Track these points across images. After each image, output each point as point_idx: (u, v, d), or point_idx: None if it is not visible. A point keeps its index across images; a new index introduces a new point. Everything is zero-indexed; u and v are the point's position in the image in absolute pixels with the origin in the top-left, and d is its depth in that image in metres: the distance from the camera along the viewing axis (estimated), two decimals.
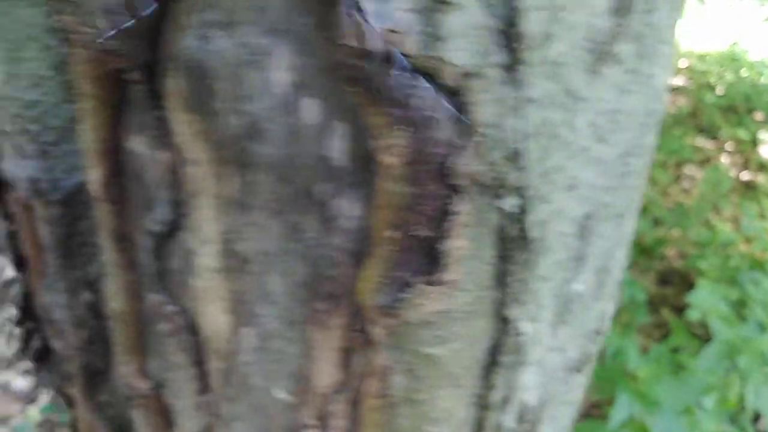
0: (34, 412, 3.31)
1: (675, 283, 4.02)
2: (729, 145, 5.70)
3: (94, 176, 0.67)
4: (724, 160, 5.44)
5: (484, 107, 0.51)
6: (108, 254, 0.73)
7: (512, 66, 0.52)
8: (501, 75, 0.52)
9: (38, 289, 0.93)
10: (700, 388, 2.18)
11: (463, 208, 0.53)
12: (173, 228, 0.63)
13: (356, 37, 0.46)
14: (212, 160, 0.57)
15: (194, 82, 0.54)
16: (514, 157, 0.55)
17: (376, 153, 0.51)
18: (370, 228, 0.56)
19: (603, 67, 0.57)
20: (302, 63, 0.50)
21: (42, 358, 1.05)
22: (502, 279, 0.60)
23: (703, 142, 5.67)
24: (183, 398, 0.74)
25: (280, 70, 0.50)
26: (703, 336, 2.91)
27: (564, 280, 0.69)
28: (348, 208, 0.55)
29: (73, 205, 0.78)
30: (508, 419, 0.73)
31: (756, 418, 2.45)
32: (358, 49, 0.46)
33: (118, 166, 0.66)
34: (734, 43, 6.88)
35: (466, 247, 0.55)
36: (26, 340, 1.02)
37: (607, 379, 2.18)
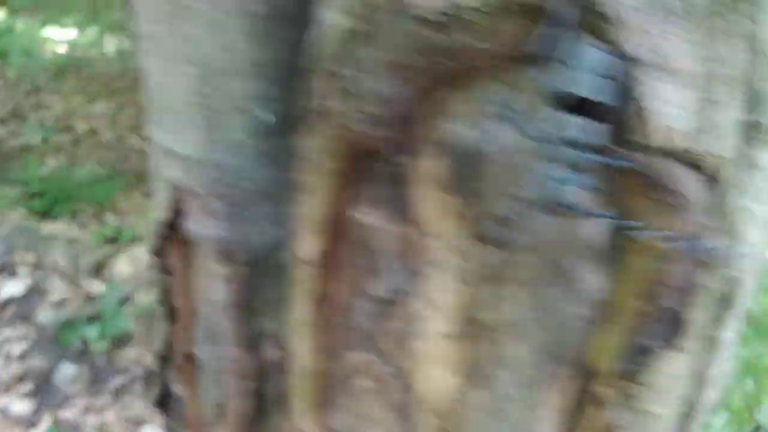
0: None
1: None
2: None
3: (310, 244, 0.70)
4: None
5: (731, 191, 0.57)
6: (302, 315, 0.76)
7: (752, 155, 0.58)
8: (745, 163, 0.58)
9: (184, 339, 0.95)
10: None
11: (708, 281, 0.59)
12: (400, 296, 0.67)
13: (649, 135, 0.52)
14: (463, 237, 0.61)
15: (460, 165, 0.58)
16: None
17: (641, 236, 0.56)
18: (612, 298, 0.61)
19: None
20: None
21: (163, 403, 1.07)
22: (711, 342, 0.66)
23: None
24: None
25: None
26: None
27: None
28: (593, 281, 0.60)
29: (258, 265, 0.81)
30: None
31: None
32: (653, 147, 0.52)
33: (334, 233, 0.70)
34: None
35: (700, 314, 0.61)
36: (150, 385, 1.03)
37: None
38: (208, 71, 0.72)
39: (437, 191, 0.60)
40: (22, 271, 4.58)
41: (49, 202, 5.07)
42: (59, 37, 6.94)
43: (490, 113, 0.56)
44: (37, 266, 4.66)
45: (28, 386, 3.70)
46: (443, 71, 0.55)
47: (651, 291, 0.59)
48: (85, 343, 4.04)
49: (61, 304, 4.32)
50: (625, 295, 0.60)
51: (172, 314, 0.92)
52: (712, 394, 0.70)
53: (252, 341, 0.85)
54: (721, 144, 0.55)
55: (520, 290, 0.61)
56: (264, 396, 0.90)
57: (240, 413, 0.90)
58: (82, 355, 4.01)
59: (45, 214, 5.05)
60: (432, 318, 0.66)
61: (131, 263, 4.63)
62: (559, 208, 0.52)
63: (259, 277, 0.82)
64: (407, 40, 0.55)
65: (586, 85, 0.49)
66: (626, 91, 0.51)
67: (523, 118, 0.55)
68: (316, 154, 0.65)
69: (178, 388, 1.06)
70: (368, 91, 0.58)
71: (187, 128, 0.75)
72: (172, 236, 0.86)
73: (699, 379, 0.69)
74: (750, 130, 0.57)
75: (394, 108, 0.58)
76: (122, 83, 6.95)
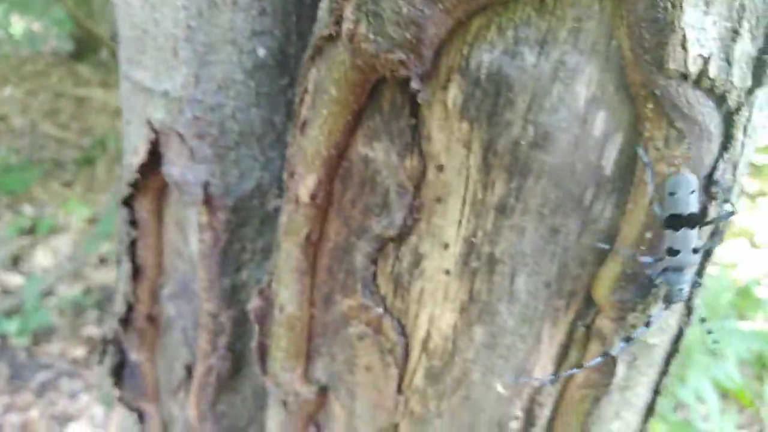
0: None
1: None
2: None
3: (306, 181, 0.68)
4: None
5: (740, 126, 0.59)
6: (289, 261, 0.73)
7: (753, 90, 0.59)
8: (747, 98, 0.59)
9: (147, 298, 0.90)
10: None
11: (712, 213, 0.60)
12: (405, 232, 0.65)
13: (679, 62, 0.52)
14: (477, 168, 0.60)
15: (489, 93, 0.57)
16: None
17: (656, 162, 0.57)
18: (618, 229, 0.61)
19: None
20: (601, 79, 0.55)
21: (118, 372, 1.01)
22: (699, 276, 0.67)
23: None
24: (361, 399, 0.76)
25: (584, 86, 0.55)
26: None
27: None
28: (606, 211, 0.61)
29: (240, 210, 0.78)
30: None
31: None
32: (679, 71, 0.52)
33: (335, 171, 0.68)
34: None
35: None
36: (104, 352, 0.98)
37: None
38: (199, 1, 0.68)
39: (452, 119, 0.59)
40: None
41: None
42: None
43: (522, 39, 0.55)
44: None
45: None
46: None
47: (653, 219, 0.60)
48: (3, 338, 3.83)
49: None
50: (633, 224, 0.60)
51: (136, 272, 0.87)
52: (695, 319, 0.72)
53: (230, 294, 0.82)
54: (738, 75, 0.56)
55: (529, 219, 0.61)
56: (238, 354, 0.87)
57: (212, 373, 0.86)
58: (1, 351, 3.79)
59: None
60: (435, 255, 0.65)
61: (52, 255, 4.43)
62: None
63: (241, 224, 0.78)
64: None
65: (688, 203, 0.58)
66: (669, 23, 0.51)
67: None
68: (327, 84, 0.63)
69: (135, 355, 1.01)
70: (404, 16, 0.56)
71: (171, 65, 0.71)
72: (144, 185, 0.81)
73: (689, 307, 0.70)
74: (758, 65, 0.58)
75: (429, 34, 0.56)
76: (33, 67, 6.61)
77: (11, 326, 3.83)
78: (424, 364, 0.70)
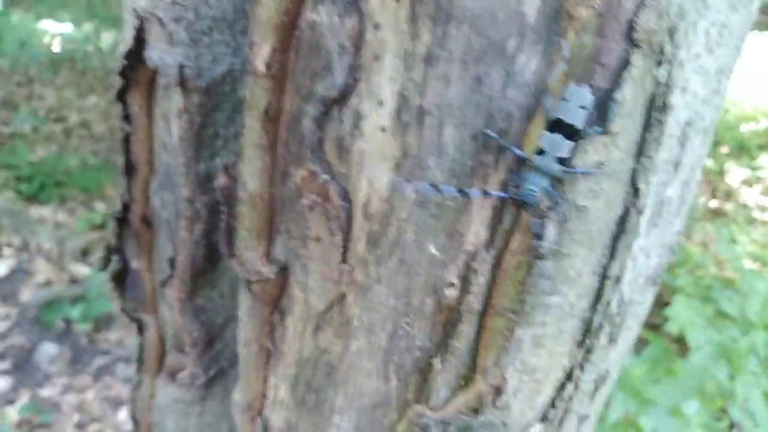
0: (12, 412, 3.20)
1: None
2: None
3: (262, 50, 0.72)
4: None
5: None
6: (251, 136, 0.78)
7: None
8: None
9: (141, 197, 0.96)
10: (691, 388, 2.28)
11: (638, 62, 0.61)
12: (346, 93, 0.69)
13: None
14: (405, 19, 0.63)
15: None
16: (673, 31, 0.63)
17: (571, 6, 0.59)
18: (544, 82, 0.63)
19: None
20: None
21: (120, 279, 1.07)
22: (641, 147, 0.68)
23: None
24: (313, 273, 0.79)
25: None
26: (677, 351, 3.04)
27: (663, 182, 0.78)
28: (531, 63, 0.63)
29: (212, 94, 0.83)
30: (615, 301, 0.80)
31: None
32: None
33: (288, 40, 0.72)
34: None
35: (630, 100, 0.63)
36: (107, 259, 1.04)
37: None
38: None
39: None
40: (6, 252, 4.58)
41: (37, 187, 5.10)
42: (55, 31, 7.04)
43: None
44: (23, 248, 4.67)
45: (7, 364, 3.69)
46: None
47: (584, 72, 0.61)
48: (68, 323, 4.04)
49: (45, 285, 4.32)
50: (558, 75, 0.62)
51: (130, 168, 0.93)
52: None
53: (205, 180, 0.87)
54: None
55: (453, 68, 0.63)
56: (215, 245, 0.91)
57: (190, 262, 0.91)
58: (64, 335, 4.00)
59: (33, 199, 5.08)
60: (373, 113, 0.68)
61: None
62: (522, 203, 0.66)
63: (214, 108, 0.83)
64: None
65: (573, 114, 0.62)
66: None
67: None
68: None
69: (135, 263, 1.07)
70: None
71: None
72: (135, 79, 0.88)
73: (634, 193, 0.71)
74: None
75: None
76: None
77: (75, 312, 4.04)
78: (365, 229, 0.73)
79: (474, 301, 0.73)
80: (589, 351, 0.82)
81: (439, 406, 0.79)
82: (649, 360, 2.37)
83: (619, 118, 0.63)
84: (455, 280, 0.72)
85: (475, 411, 0.78)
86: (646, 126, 0.67)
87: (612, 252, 0.73)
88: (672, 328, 2.87)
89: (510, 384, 0.76)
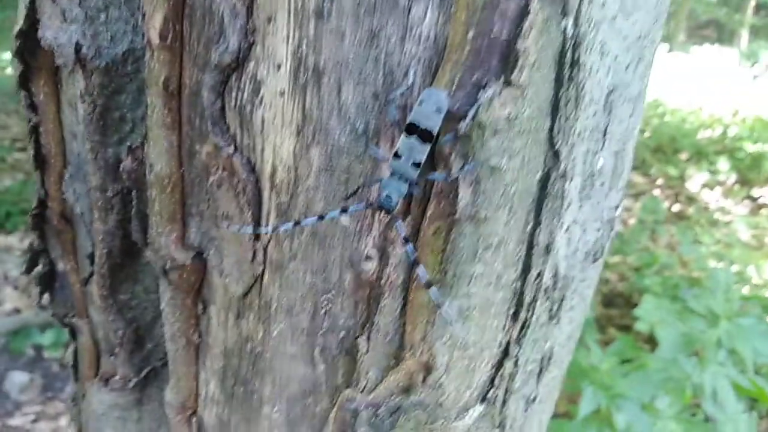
0: None
1: (619, 305, 4.20)
2: (660, 181, 6.08)
3: (154, 20, 0.69)
4: (657, 193, 5.80)
5: None
6: (154, 114, 0.74)
7: None
8: None
9: (56, 192, 0.91)
10: (661, 381, 2.27)
11: (539, 9, 0.58)
12: (242, 57, 0.65)
13: None
14: None
15: None
16: None
17: None
18: (446, 35, 0.60)
19: None
20: None
21: (47, 283, 1.02)
22: (555, 105, 0.64)
23: (636, 178, 6.02)
24: (229, 256, 0.74)
25: None
26: (648, 350, 3.03)
27: (591, 151, 0.74)
28: (426, 15, 0.59)
29: (113, 75, 0.79)
30: (547, 274, 0.77)
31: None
32: None
33: (180, 8, 0.69)
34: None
35: (535, 51, 0.60)
36: (32, 262, 1.00)
37: (573, 374, 2.25)
38: None
39: None
40: None
41: (3, 215, 5.02)
42: None
43: None
44: None
45: None
46: None
47: (482, 19, 0.58)
48: (38, 350, 3.95)
49: (13, 313, 4.23)
50: (458, 26, 0.59)
51: (41, 161, 0.89)
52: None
53: (114, 166, 0.82)
54: None
55: (346, 23, 0.60)
56: (131, 238, 0.87)
57: (107, 255, 0.86)
58: (35, 363, 3.91)
59: None
60: (271, 78, 0.64)
61: None
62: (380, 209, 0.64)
63: (117, 90, 0.79)
64: None
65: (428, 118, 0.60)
66: None
67: None
68: None
69: (61, 265, 1.02)
70: None
71: None
72: (37, 65, 0.83)
73: (553, 156, 0.67)
74: None
75: None
76: None
77: (45, 339, 3.96)
78: (274, 201, 0.69)
79: (394, 274, 0.69)
80: (525, 326, 0.79)
81: (369, 388, 0.75)
82: (617, 354, 2.35)
83: (525, 70, 0.60)
84: (373, 252, 0.68)
85: (406, 391, 0.73)
86: (558, 82, 0.64)
87: (537, 217, 0.69)
88: (642, 327, 2.87)
89: (440, 360, 0.72)
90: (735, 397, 2.31)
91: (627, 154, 0.84)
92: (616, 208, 0.90)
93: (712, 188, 5.93)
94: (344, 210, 0.63)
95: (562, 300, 0.84)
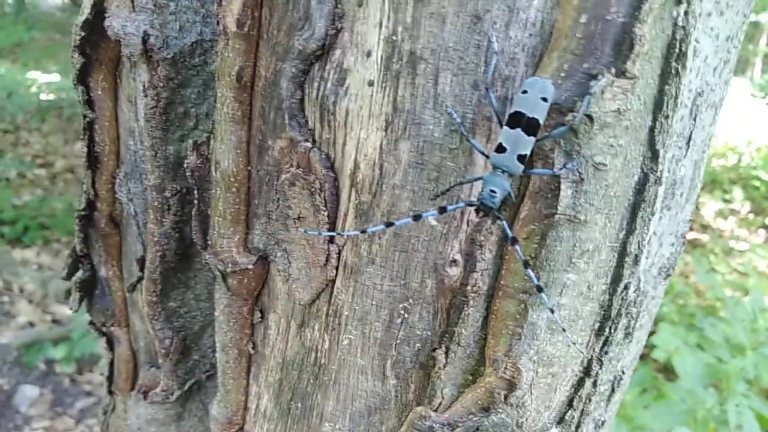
0: None
1: None
2: None
3: (232, 6, 0.65)
4: None
5: None
6: (224, 108, 0.69)
7: None
8: None
9: (107, 193, 0.87)
10: (683, 413, 2.21)
11: None
12: (328, 45, 0.61)
13: None
14: None
15: None
16: None
17: None
18: (553, 21, 0.55)
19: None
20: None
21: (87, 289, 0.98)
22: (659, 103, 0.60)
23: None
24: (297, 259, 0.70)
25: None
26: (664, 379, 2.96)
27: (675, 158, 0.69)
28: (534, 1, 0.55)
29: (180, 67, 0.75)
30: (633, 287, 0.71)
31: None
32: None
33: None
34: None
35: (649, 38, 0.55)
36: (73, 267, 0.95)
37: None
38: None
39: None
40: None
41: (21, 229, 5.01)
42: (42, 80, 7.05)
43: None
44: (5, 290, 4.55)
45: None
46: None
47: (598, 4, 0.54)
48: (50, 364, 3.91)
49: (27, 326, 4.20)
50: (568, 11, 0.54)
51: (94, 159, 0.85)
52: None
53: (174, 165, 0.78)
54: None
55: (448, 4, 0.55)
56: (188, 239, 0.82)
57: (160, 258, 0.82)
58: (46, 377, 3.86)
59: (16, 242, 4.98)
60: (359, 66, 0.60)
61: None
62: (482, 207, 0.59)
63: (182, 84, 0.75)
64: None
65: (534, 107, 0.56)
66: None
67: None
68: None
69: (103, 270, 0.97)
70: None
71: None
72: (97, 58, 0.80)
73: (652, 156, 0.63)
74: None
75: None
76: None
77: (58, 353, 3.92)
78: (354, 201, 0.64)
79: (480, 281, 0.64)
80: (606, 343, 0.73)
81: (444, 406, 0.69)
82: (638, 385, 2.29)
83: (639, 59, 0.55)
84: (458, 257, 0.63)
85: (486, 410, 0.68)
86: (664, 76, 0.59)
87: (630, 225, 0.64)
88: (659, 355, 2.82)
89: (525, 377, 0.66)
90: (759, 428, 2.24)
91: (703, 164, 0.79)
92: (686, 228, 0.85)
93: (726, 217, 5.90)
94: (443, 209, 0.58)
95: (637, 317, 0.79)
